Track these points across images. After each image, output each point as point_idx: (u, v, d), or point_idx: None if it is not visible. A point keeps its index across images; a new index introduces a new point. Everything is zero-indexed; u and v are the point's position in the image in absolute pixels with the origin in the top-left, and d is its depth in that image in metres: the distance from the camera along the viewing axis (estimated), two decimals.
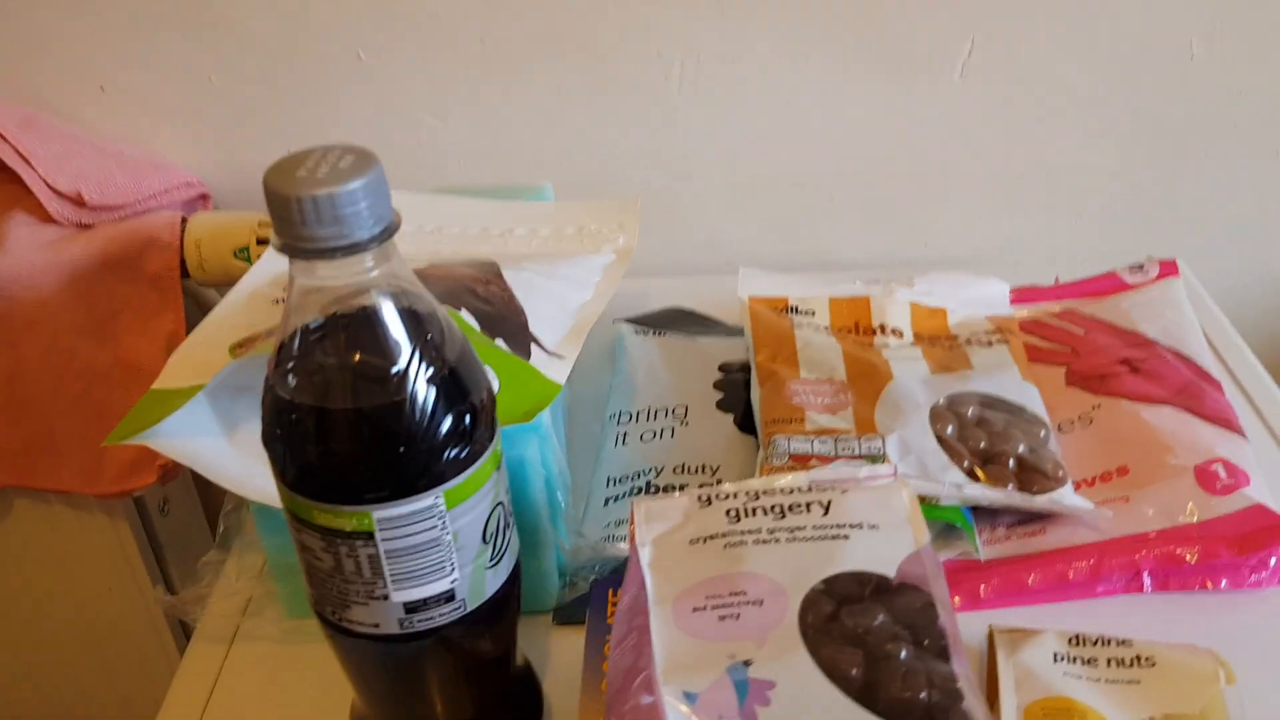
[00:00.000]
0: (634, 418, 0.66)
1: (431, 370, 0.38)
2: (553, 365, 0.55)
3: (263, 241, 0.80)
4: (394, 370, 0.37)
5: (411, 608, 0.41)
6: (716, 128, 0.87)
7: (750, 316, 0.68)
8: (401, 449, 0.38)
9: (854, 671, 0.40)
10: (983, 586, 0.56)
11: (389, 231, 0.36)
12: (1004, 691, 0.47)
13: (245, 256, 0.80)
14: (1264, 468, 0.63)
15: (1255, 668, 0.52)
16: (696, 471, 0.61)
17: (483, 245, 0.66)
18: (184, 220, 0.80)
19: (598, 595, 0.52)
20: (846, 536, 0.44)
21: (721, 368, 0.69)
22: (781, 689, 0.39)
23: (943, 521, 0.59)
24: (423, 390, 0.38)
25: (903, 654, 0.40)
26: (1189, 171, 0.89)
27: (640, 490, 0.60)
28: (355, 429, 0.38)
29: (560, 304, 0.59)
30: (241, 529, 0.59)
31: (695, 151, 0.89)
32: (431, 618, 0.41)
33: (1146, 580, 0.56)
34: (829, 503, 0.46)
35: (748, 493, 0.47)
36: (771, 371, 0.64)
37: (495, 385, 0.50)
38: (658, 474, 0.61)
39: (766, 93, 0.86)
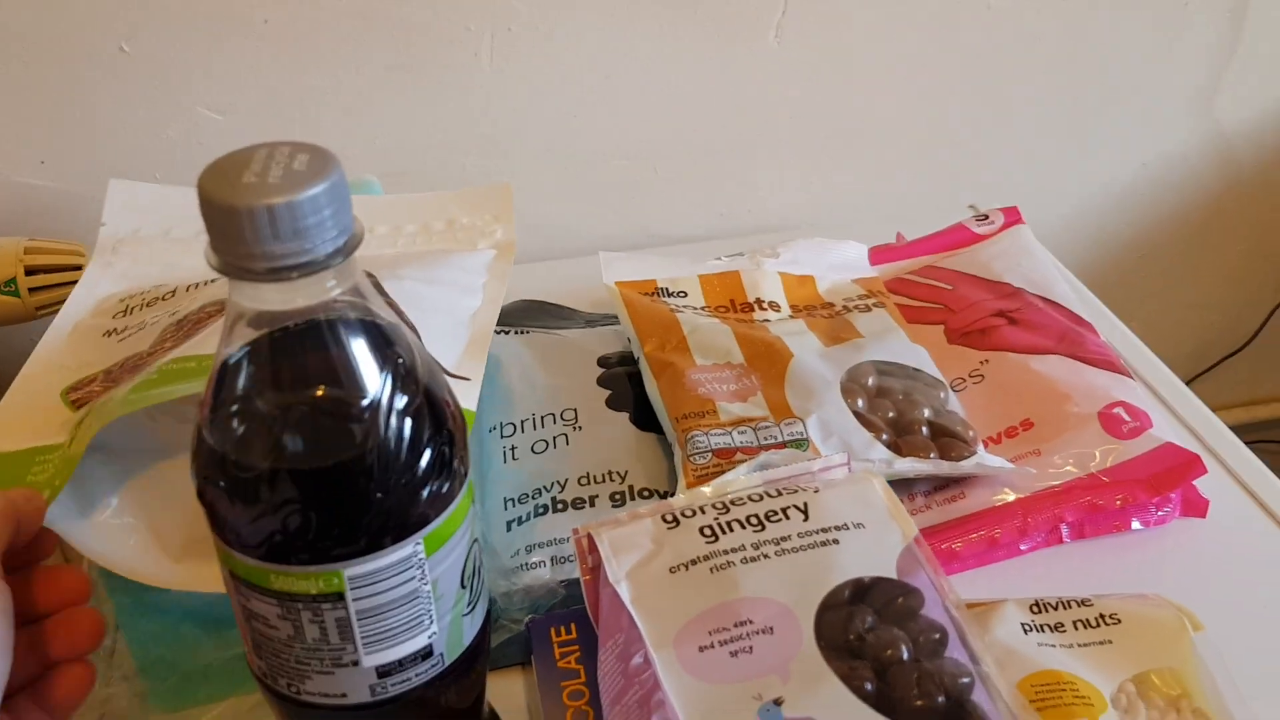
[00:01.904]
0: (519, 428, 0.60)
1: (405, 399, 0.32)
2: (460, 390, 0.48)
3: (31, 272, 0.68)
4: (364, 404, 0.31)
5: (385, 671, 0.35)
6: (532, 103, 0.82)
7: (624, 304, 0.64)
8: (379, 495, 0.31)
9: (888, 688, 0.37)
10: None
11: (354, 242, 0.30)
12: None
13: (13, 290, 0.68)
14: None
15: (1194, 603, 0.53)
16: (604, 480, 0.56)
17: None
18: None
19: (539, 635, 0.47)
20: (836, 541, 0.41)
21: (600, 362, 0.64)
22: None
23: None
24: (398, 424, 0.31)
25: (931, 658, 0.38)
26: (989, 117, 0.91)
27: (546, 508, 0.55)
28: (322, 479, 0.31)
29: (450, 315, 0.52)
30: None
31: (512, 130, 0.83)
32: (408, 679, 0.35)
33: (1064, 531, 0.56)
34: (805, 505, 0.43)
35: (715, 505, 0.43)
36: (666, 362, 0.59)
37: None
38: (561, 488, 0.56)
39: (582, 63, 0.81)
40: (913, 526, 0.42)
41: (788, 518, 0.42)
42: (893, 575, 0.40)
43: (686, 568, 0.41)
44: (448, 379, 0.35)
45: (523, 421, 0.60)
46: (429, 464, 0.33)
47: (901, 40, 0.85)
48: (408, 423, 0.32)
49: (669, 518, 0.43)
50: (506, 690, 0.48)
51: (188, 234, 0.57)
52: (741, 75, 0.84)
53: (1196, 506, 0.57)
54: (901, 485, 0.58)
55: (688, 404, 0.57)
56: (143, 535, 0.43)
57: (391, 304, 0.49)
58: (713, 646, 0.38)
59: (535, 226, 0.87)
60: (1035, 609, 0.48)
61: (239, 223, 0.28)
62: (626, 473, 0.56)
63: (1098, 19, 0.88)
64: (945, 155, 0.92)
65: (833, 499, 0.43)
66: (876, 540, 0.42)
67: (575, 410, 0.60)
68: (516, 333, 0.67)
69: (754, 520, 0.42)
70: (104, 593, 0.46)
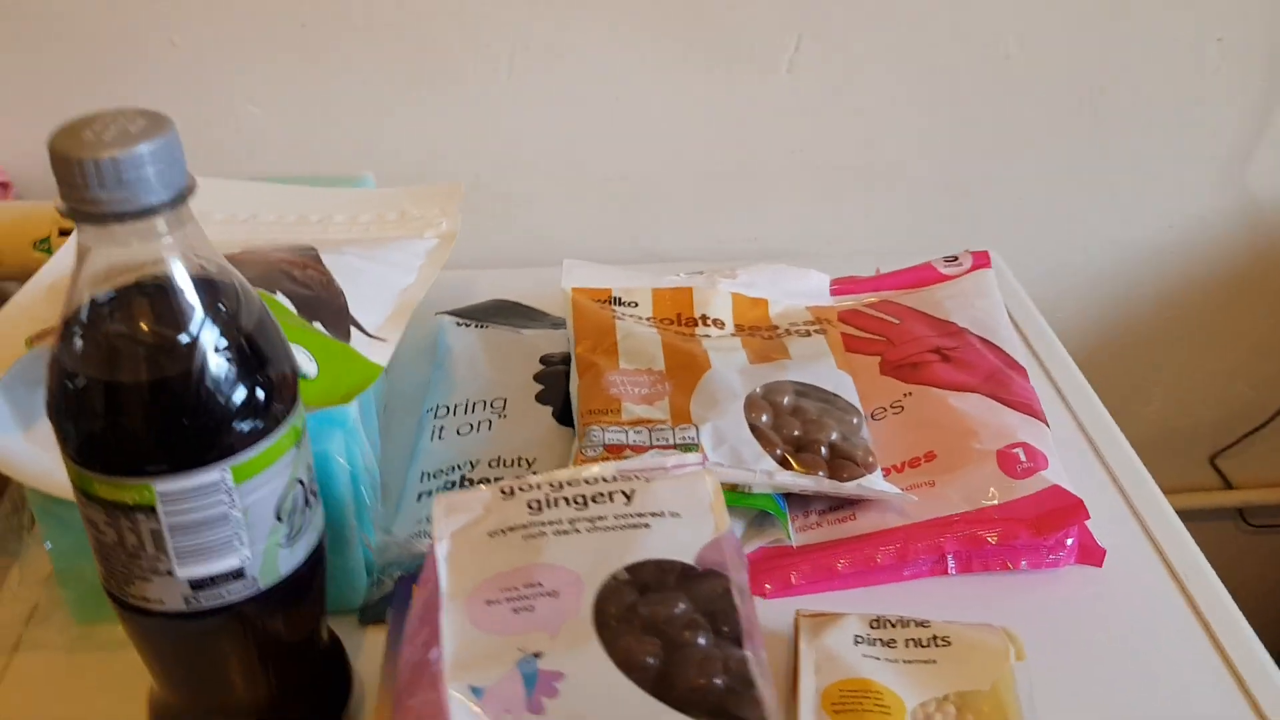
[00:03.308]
0: (451, 411, 0.64)
1: (223, 341, 0.36)
2: (374, 348, 0.53)
3: (65, 233, 0.76)
4: (181, 339, 0.36)
5: (198, 585, 0.39)
6: (545, 120, 0.87)
7: (573, 308, 0.68)
8: (185, 420, 0.36)
9: (649, 660, 0.40)
10: (793, 573, 0.57)
11: (180, 198, 0.35)
12: (803, 674, 0.47)
13: (46, 248, 0.76)
14: (1068, 451, 0.65)
15: (1050, 642, 0.54)
16: (512, 465, 0.60)
17: (301, 232, 0.64)
18: None
19: (402, 591, 0.51)
20: (647, 525, 0.44)
21: (543, 360, 0.68)
22: (570, 680, 0.38)
23: (756, 510, 0.59)
24: (211, 360, 0.36)
25: (700, 641, 0.40)
26: (1005, 166, 0.92)
27: (454, 485, 0.59)
28: (136, 398, 0.36)
29: (381, 287, 0.57)
30: (21, 532, 0.56)
31: (524, 144, 0.88)
32: (220, 595, 0.39)
33: (951, 563, 0.58)
34: (632, 492, 0.46)
35: (552, 484, 0.46)
36: (591, 363, 0.63)
37: (313, 369, 0.49)
38: (472, 467, 0.60)
39: (596, 85, 0.86)
40: (727, 523, 0.45)
41: (611, 500, 0.45)
42: (690, 561, 0.43)
43: (504, 533, 0.44)
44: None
45: (456, 405, 0.65)
46: (240, 401, 0.37)
47: (917, 83, 0.87)
48: (221, 361, 0.36)
49: (507, 490, 0.46)
50: (381, 642, 0.52)
51: None
52: (751, 105, 0.87)
53: (1092, 554, 0.58)
54: (798, 503, 0.60)
55: (597, 401, 0.60)
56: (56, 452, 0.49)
57: (319, 275, 0.54)
58: (500, 602, 0.41)
59: (542, 237, 0.92)
60: (875, 624, 0.50)
61: (73, 171, 0.34)
62: (535, 460, 0.60)
63: (1125, 77, 0.88)
64: (956, 202, 0.93)
65: (661, 489, 0.46)
66: (687, 529, 0.44)
67: (505, 400, 0.64)
68: (477, 326, 0.72)
69: (579, 499, 0.45)
70: (32, 505, 0.52)
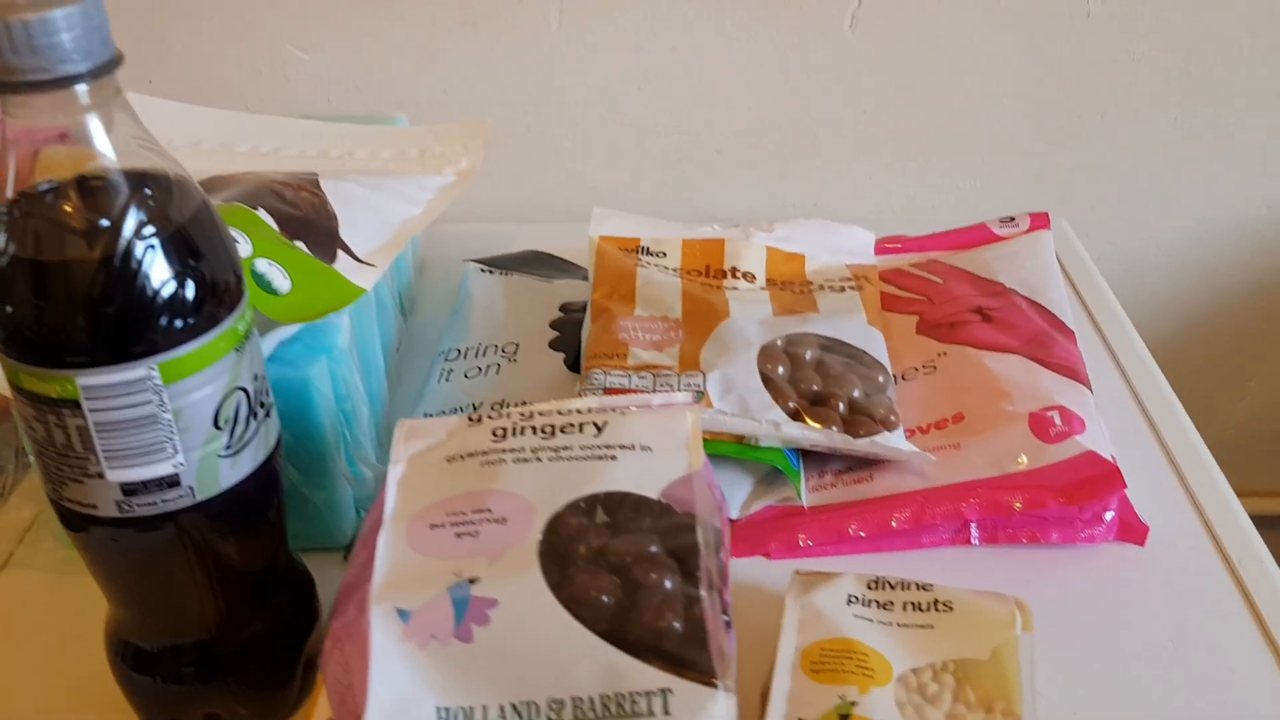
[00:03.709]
0: (462, 354, 0.62)
1: (150, 229, 0.35)
2: (360, 272, 0.52)
3: None
4: (100, 222, 0.34)
5: (129, 489, 0.37)
6: (599, 70, 0.84)
7: (597, 256, 0.65)
8: (105, 308, 0.34)
9: (594, 594, 0.37)
10: (801, 535, 0.53)
11: (102, 70, 0.33)
12: (785, 631, 0.44)
13: None
14: (1119, 421, 0.61)
15: (1077, 623, 0.50)
16: (512, 409, 0.57)
17: (320, 166, 0.63)
18: None
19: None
20: (614, 457, 0.41)
21: (562, 307, 0.66)
22: (504, 607, 0.36)
23: (768, 466, 0.56)
24: (133, 248, 0.34)
25: (650, 577, 0.37)
26: (1081, 133, 0.86)
27: None
28: (54, 282, 0.34)
29: (381, 216, 0.56)
30: (19, 449, 0.56)
31: (577, 95, 0.85)
32: (153, 503, 0.38)
33: (974, 532, 0.53)
34: (604, 424, 0.43)
35: (524, 414, 0.44)
36: (605, 308, 0.60)
37: (286, 284, 0.47)
38: (474, 410, 0.58)
39: (652, 37, 0.83)
40: (700, 460, 0.42)
41: (580, 431, 0.42)
42: (653, 496, 0.40)
43: (463, 459, 0.42)
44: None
45: (468, 349, 0.63)
46: (166, 295, 0.35)
47: (987, 40, 0.83)
48: (144, 250, 0.35)
49: (475, 418, 0.44)
50: None
51: (187, 144, 0.63)
52: (812, 62, 0.84)
53: (1135, 532, 0.53)
54: (814, 462, 0.57)
55: (605, 345, 0.57)
56: None
57: (313, 197, 0.53)
58: (444, 526, 0.39)
59: (591, 190, 0.89)
60: (872, 585, 0.46)
61: None
62: None
63: (1218, 39, 0.82)
64: (1028, 173, 0.88)
65: (635, 422, 0.43)
66: (657, 463, 0.41)
67: (517, 345, 0.62)
68: (501, 273, 0.70)
69: (547, 429, 0.43)
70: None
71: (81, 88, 0.33)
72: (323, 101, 0.84)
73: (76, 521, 0.39)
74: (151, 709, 0.44)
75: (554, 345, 0.62)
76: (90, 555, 0.41)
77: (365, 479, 0.52)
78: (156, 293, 0.35)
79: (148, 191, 0.35)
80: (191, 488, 0.38)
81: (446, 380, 0.61)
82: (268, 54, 0.84)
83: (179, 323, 0.36)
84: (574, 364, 0.61)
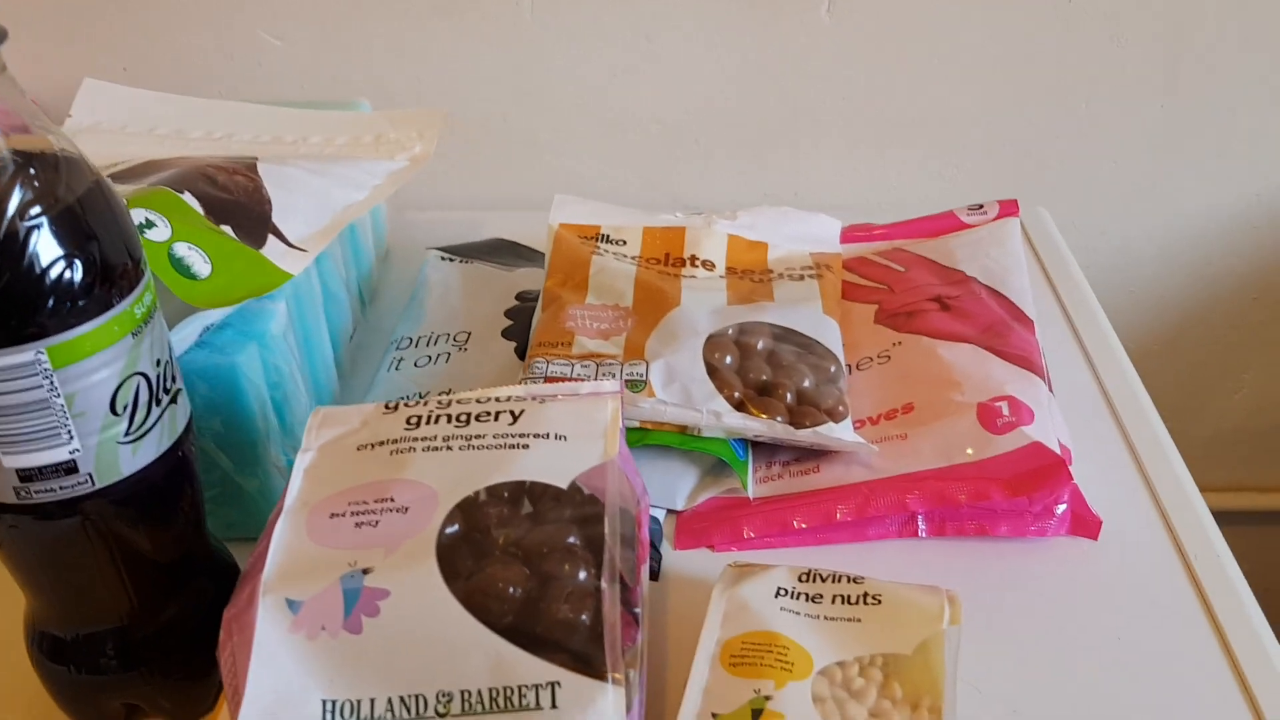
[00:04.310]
0: (414, 343, 0.62)
1: (33, 209, 0.34)
2: (290, 257, 0.51)
3: None
4: None
5: (26, 475, 0.37)
6: (572, 59, 0.83)
7: (554, 243, 0.64)
8: None
9: (506, 588, 0.36)
10: (746, 528, 0.52)
11: None
12: (708, 624, 0.43)
13: None
14: (1080, 414, 0.59)
15: (1023, 618, 0.49)
16: (431, 397, 0.57)
17: (271, 150, 0.63)
18: None
19: None
20: (526, 446, 0.40)
21: (518, 296, 0.65)
22: (396, 598, 0.35)
23: (714, 458, 0.55)
24: (15, 228, 0.34)
25: (548, 569, 0.36)
26: (1065, 121, 0.85)
27: None
28: None
29: (320, 201, 0.55)
30: None
31: (553, 84, 0.84)
32: (51, 489, 0.37)
33: (921, 525, 0.52)
34: (520, 412, 0.42)
35: (440, 402, 0.43)
36: (556, 296, 0.60)
37: (206, 269, 0.47)
38: (421, 399, 0.57)
39: (627, 26, 0.82)
40: (616, 449, 0.41)
41: (495, 420, 0.42)
42: (563, 486, 0.39)
43: (372, 447, 0.41)
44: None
45: (420, 338, 0.62)
46: (52, 277, 0.35)
47: (968, 27, 0.81)
48: (30, 232, 0.34)
49: (391, 406, 0.43)
50: None
51: (142, 129, 0.62)
52: (790, 49, 0.82)
53: (1087, 525, 0.52)
54: (762, 453, 0.56)
55: (551, 334, 0.56)
56: None
57: (247, 181, 0.52)
58: (344, 515, 0.38)
59: (571, 181, 0.88)
60: (803, 578, 0.45)
61: None
62: None
63: (1207, 24, 0.80)
64: (1011, 155, 0.86)
65: (554, 411, 0.42)
66: (570, 452, 0.40)
67: (469, 334, 0.61)
68: (460, 261, 0.69)
69: (462, 417, 0.42)
70: None
71: None
72: (295, 89, 0.84)
73: None
74: (69, 699, 0.44)
75: (506, 334, 0.62)
76: (6, 548, 0.40)
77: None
78: (43, 273, 0.34)
79: (33, 170, 0.35)
80: (90, 474, 0.38)
81: (396, 369, 0.60)
82: (241, 40, 0.83)
83: (68, 305, 0.35)
84: (524, 352, 0.60)
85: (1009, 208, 0.68)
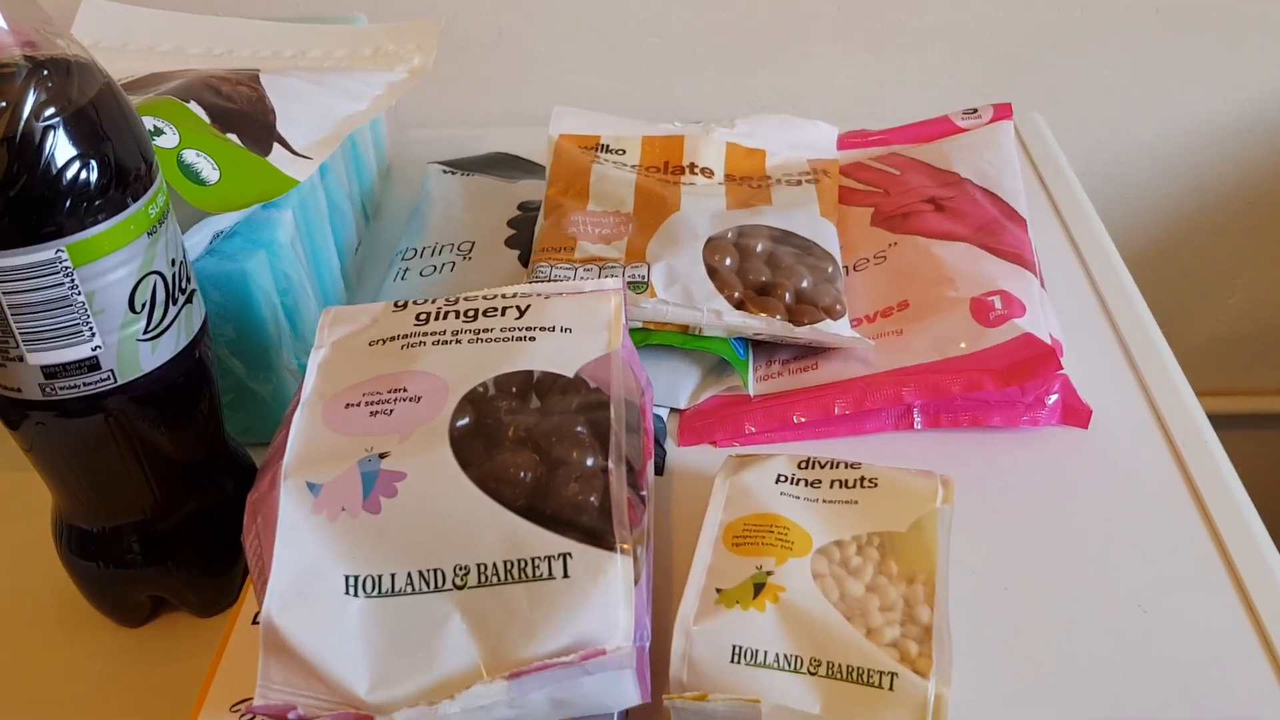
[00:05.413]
0: (419, 253, 0.63)
1: (48, 111, 0.35)
2: (296, 164, 0.52)
3: None
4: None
5: (50, 373, 0.38)
6: None
7: (555, 153, 0.65)
8: (8, 191, 0.35)
9: (518, 473, 0.37)
10: (748, 424, 0.54)
11: None
12: (711, 508, 0.44)
13: None
14: (1072, 307, 0.61)
15: (1015, 503, 0.50)
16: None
17: (270, 65, 0.63)
18: None
19: None
20: (533, 338, 0.42)
21: (521, 206, 0.66)
22: (411, 480, 0.37)
23: (716, 356, 0.56)
24: (32, 129, 0.35)
25: (556, 452, 0.38)
26: (1061, 26, 0.85)
27: None
28: None
29: (322, 112, 0.56)
30: None
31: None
32: (75, 385, 0.39)
33: (917, 417, 0.54)
34: (527, 307, 0.43)
35: (448, 299, 0.44)
36: (558, 204, 0.61)
37: (214, 175, 0.48)
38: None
39: None
40: (619, 340, 0.42)
41: (502, 315, 0.43)
42: (569, 375, 0.41)
43: (384, 343, 0.42)
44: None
45: (424, 248, 0.63)
46: (68, 177, 0.36)
47: None
48: (46, 133, 0.35)
49: (400, 304, 0.45)
50: None
51: (142, 46, 0.63)
52: None
53: (1077, 415, 0.53)
54: (762, 352, 0.57)
55: (554, 240, 0.58)
56: None
57: (250, 92, 0.53)
58: (358, 405, 0.39)
59: (569, 95, 0.89)
60: (803, 465, 0.47)
61: None
62: None
63: None
64: (1011, 68, 0.87)
65: (559, 305, 0.44)
66: (575, 344, 0.42)
67: (473, 243, 0.63)
68: (462, 174, 0.70)
69: (470, 313, 0.43)
70: None
71: None
72: (291, 5, 0.84)
73: (7, 408, 0.40)
74: (98, 593, 0.46)
75: (509, 243, 0.63)
76: (27, 442, 0.42)
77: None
78: (60, 173, 0.36)
79: (46, 74, 0.36)
80: (112, 371, 0.39)
81: (402, 279, 0.61)
82: None
83: (85, 205, 0.36)
84: (528, 260, 0.61)
85: (1003, 111, 0.68)
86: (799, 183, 0.64)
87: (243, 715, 0.37)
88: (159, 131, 0.46)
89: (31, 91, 0.35)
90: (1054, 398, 0.53)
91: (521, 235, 0.63)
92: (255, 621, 0.39)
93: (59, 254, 0.36)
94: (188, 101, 0.49)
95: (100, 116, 0.37)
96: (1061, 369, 0.51)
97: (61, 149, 0.35)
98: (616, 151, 0.66)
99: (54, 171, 0.35)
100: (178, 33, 0.65)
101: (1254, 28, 0.84)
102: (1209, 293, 0.99)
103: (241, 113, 0.51)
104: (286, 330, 0.52)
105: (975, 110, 0.69)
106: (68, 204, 0.36)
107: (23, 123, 0.35)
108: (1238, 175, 0.93)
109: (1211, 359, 1.04)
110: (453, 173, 0.70)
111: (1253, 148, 0.91)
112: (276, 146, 0.51)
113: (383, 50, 0.64)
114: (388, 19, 0.83)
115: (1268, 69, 0.87)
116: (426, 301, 0.44)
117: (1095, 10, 0.84)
